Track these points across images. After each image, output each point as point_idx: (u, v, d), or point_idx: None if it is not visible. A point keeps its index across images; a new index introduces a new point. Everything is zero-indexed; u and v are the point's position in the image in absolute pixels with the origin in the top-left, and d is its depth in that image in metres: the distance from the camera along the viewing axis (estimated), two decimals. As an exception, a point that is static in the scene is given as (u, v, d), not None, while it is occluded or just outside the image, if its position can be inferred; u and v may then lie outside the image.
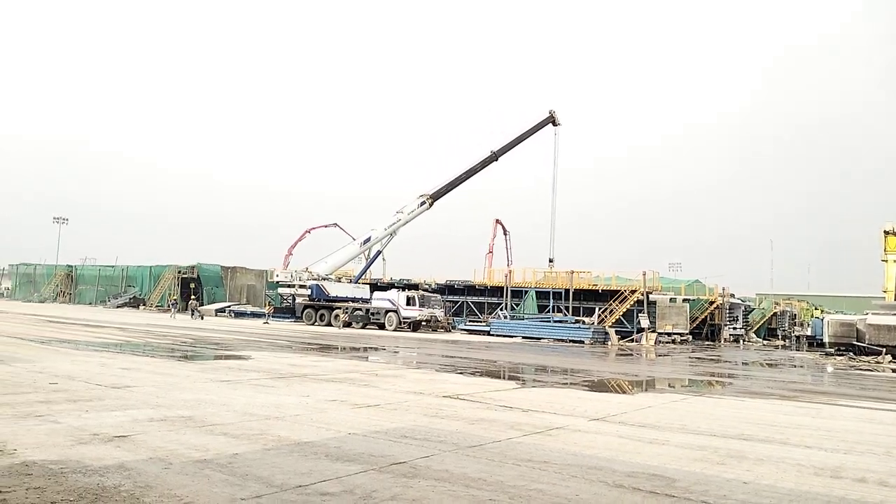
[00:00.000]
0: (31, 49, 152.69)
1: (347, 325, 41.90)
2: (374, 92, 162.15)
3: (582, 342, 37.82)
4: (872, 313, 31.86)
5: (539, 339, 39.03)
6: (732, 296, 49.08)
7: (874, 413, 12.33)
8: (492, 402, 10.95)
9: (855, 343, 30.75)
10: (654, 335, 40.45)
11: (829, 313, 41.35)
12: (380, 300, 43.10)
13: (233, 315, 50.41)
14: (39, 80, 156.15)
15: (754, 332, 51.74)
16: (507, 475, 6.00)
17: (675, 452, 7.50)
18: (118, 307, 60.38)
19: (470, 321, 46.25)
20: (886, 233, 33.19)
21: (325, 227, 63.75)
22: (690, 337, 43.18)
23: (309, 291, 44.65)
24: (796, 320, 57.77)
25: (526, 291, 47.14)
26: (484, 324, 44.13)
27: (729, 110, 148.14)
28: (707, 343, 43.75)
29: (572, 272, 46.92)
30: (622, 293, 43.77)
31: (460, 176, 48.93)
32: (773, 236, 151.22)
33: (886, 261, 33.29)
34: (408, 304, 41.30)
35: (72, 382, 10.69)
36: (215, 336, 26.70)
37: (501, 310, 46.47)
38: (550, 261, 49.59)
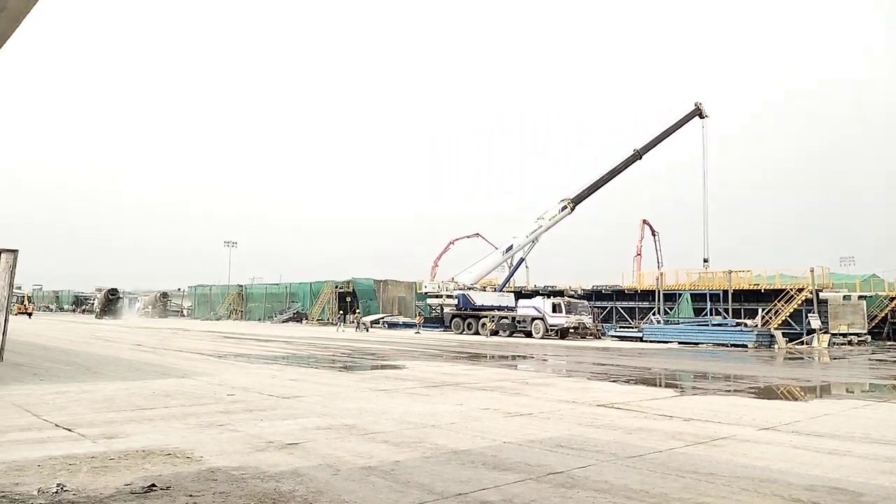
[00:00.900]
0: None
1: (494, 333, 42.17)
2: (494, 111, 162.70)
3: (744, 346, 35.60)
4: None
5: (696, 344, 37.21)
6: (919, 290, 44.23)
7: None
8: (649, 410, 10.57)
9: None
10: (826, 336, 37.31)
11: None
12: (525, 308, 43.04)
13: (386, 326, 52.38)
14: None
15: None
16: (671, 487, 5.75)
17: (860, 464, 6.85)
18: (284, 322, 64.54)
19: (620, 327, 44.97)
20: None
21: (468, 237, 64.83)
22: (869, 337, 39.42)
23: (456, 301, 45.50)
24: None
25: (680, 294, 45.13)
26: (635, 329, 42.75)
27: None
28: (889, 343, 39.69)
29: (730, 272, 44.37)
30: (788, 292, 40.74)
31: (602, 177, 47.87)
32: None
33: None
34: (554, 311, 40.89)
35: (247, 393, 11.55)
36: (371, 346, 27.84)
37: (654, 314, 44.81)
38: (705, 261, 47.25)
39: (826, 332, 38.14)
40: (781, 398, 13.71)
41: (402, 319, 55.09)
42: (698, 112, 48.92)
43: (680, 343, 37.71)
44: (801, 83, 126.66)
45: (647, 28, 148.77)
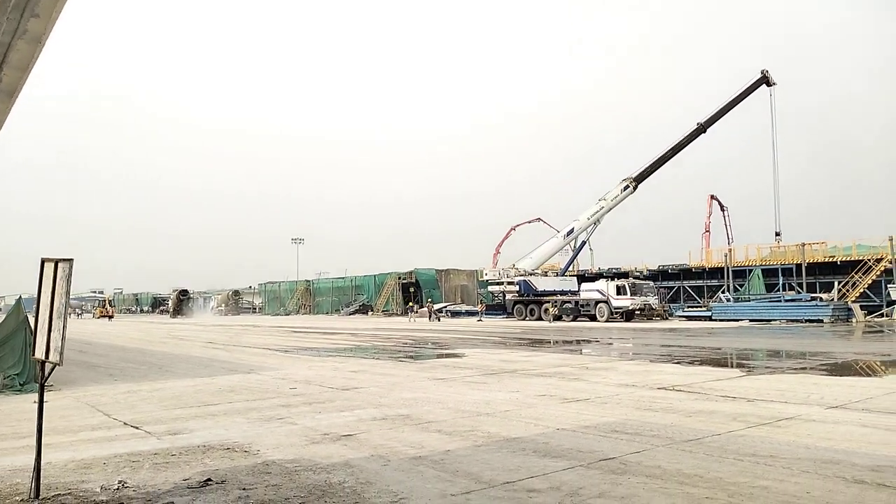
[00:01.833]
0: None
1: (558, 318, 41.83)
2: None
3: (820, 321, 34.27)
4: None
5: (769, 321, 36.01)
6: None
7: None
8: (712, 392, 10.29)
9: None
10: (909, 308, 35.47)
11: None
12: (588, 291, 42.51)
13: (449, 315, 52.63)
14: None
15: None
16: (727, 471, 5.59)
17: (935, 444, 6.50)
18: (350, 314, 65.68)
19: (688, 307, 43.96)
20: None
21: (529, 222, 64.29)
22: (957, 307, 37.21)
23: (517, 287, 45.32)
24: None
25: (750, 270, 43.74)
26: (704, 309, 41.72)
27: None
28: (982, 313, 37.40)
29: (803, 244, 42.68)
30: (865, 263, 38.91)
31: (665, 153, 46.71)
32: None
33: None
34: (618, 293, 40.21)
35: (308, 387, 11.81)
36: (433, 336, 28.05)
37: (723, 292, 43.56)
38: (777, 234, 45.68)
39: (909, 304, 36.29)
40: (855, 374, 13.12)
41: (464, 308, 55.30)
42: (765, 80, 47.05)
43: (751, 321, 36.57)
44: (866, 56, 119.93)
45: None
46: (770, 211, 46.44)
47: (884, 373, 13.44)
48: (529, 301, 45.03)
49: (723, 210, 58.97)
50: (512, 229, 64.49)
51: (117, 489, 5.26)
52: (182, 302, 79.15)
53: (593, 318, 40.86)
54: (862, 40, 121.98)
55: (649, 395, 10.10)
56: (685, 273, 49.25)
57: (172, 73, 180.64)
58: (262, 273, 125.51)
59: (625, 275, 48.22)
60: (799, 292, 40.08)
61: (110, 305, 76.46)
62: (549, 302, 43.34)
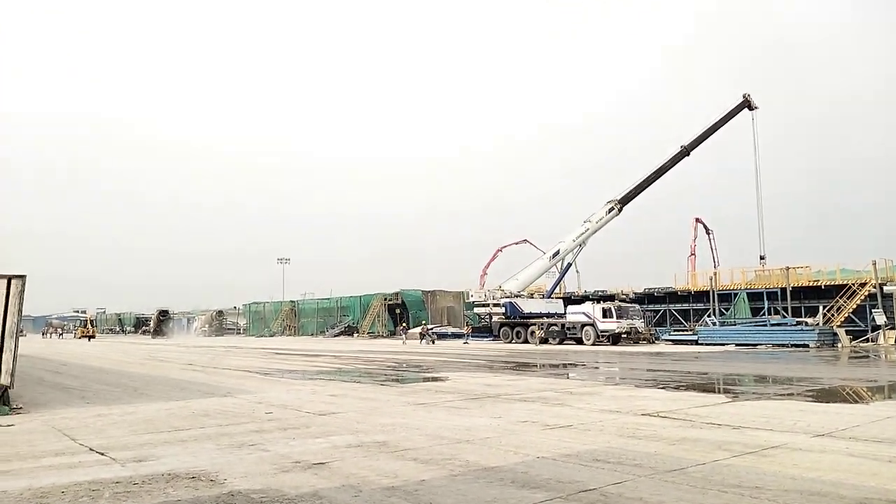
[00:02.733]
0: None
1: (544, 341, 41.62)
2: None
3: (806, 346, 34.27)
4: None
5: (755, 345, 35.99)
6: None
7: None
8: (697, 419, 10.09)
9: None
10: (893, 332, 35.59)
11: None
12: (575, 314, 42.36)
13: (435, 336, 52.24)
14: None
15: None
16: (711, 503, 5.39)
17: (924, 474, 6.32)
18: (336, 336, 65.13)
19: (674, 330, 43.93)
20: None
21: (516, 244, 64.27)
22: (941, 332, 37.34)
23: (503, 309, 45.13)
24: None
25: (735, 294, 43.80)
26: (690, 332, 41.66)
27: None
28: (964, 338, 37.54)
29: (788, 268, 42.87)
30: (850, 287, 39.07)
31: (649, 177, 46.97)
32: None
33: None
34: (604, 316, 40.10)
35: (284, 411, 11.50)
36: (417, 358, 27.72)
37: (709, 316, 43.57)
38: (762, 258, 45.89)
39: (892, 328, 36.39)
40: (842, 401, 12.99)
41: (450, 330, 54.99)
42: (747, 104, 47.60)
43: (737, 345, 36.53)
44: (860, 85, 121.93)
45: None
46: (755, 235, 46.70)
47: (870, 399, 13.31)
48: (516, 323, 44.82)
49: (708, 233, 59.29)
50: (499, 251, 64.47)
51: (69, 522, 4.97)
52: (163, 322, 78.36)
53: (580, 342, 40.68)
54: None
55: (633, 421, 9.89)
56: (671, 296, 49.30)
57: (155, 87, 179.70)
58: (248, 293, 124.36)
59: (611, 297, 48.18)
60: (784, 316, 40.14)
61: (92, 325, 75.37)
62: (535, 324, 43.16)
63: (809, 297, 41.67)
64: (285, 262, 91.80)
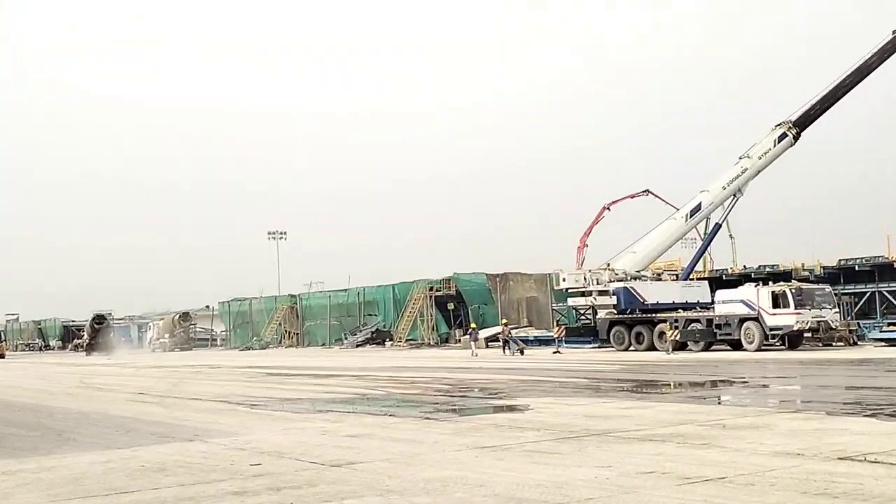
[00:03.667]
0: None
1: (680, 346, 41.19)
2: None
3: None
4: None
5: None
6: None
7: None
8: (930, 464, 9.71)
9: None
10: None
11: None
12: (728, 303, 41.64)
13: (522, 344, 51.95)
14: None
15: None
16: None
17: None
18: (358, 345, 65.68)
19: (889, 324, 42.81)
20: None
21: (633, 196, 63.19)
22: None
23: (614, 300, 44.65)
24: None
25: None
26: (919, 327, 40.63)
27: None
28: None
29: None
30: None
31: (843, 81, 45.13)
32: None
33: None
34: (775, 305, 39.23)
35: (279, 461, 11.56)
36: (481, 377, 27.89)
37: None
38: None
39: None
40: None
41: (532, 333, 54.87)
42: None
43: None
44: None
45: None
46: None
47: None
48: (634, 320, 44.47)
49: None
50: (605, 208, 63.63)
51: None
52: (98, 332, 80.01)
53: (737, 345, 40.16)
54: None
55: (826, 469, 9.58)
56: (882, 271, 47.95)
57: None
58: (226, 289, 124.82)
59: (785, 276, 47.15)
60: None
61: (-1, 340, 78.17)
62: (665, 321, 42.63)
63: None
64: (280, 236, 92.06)
